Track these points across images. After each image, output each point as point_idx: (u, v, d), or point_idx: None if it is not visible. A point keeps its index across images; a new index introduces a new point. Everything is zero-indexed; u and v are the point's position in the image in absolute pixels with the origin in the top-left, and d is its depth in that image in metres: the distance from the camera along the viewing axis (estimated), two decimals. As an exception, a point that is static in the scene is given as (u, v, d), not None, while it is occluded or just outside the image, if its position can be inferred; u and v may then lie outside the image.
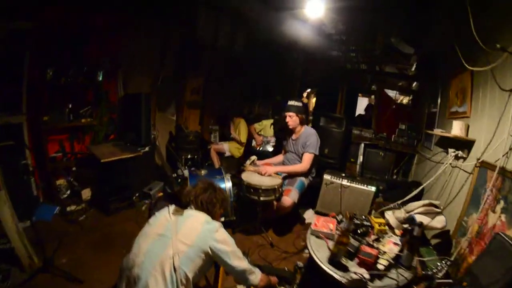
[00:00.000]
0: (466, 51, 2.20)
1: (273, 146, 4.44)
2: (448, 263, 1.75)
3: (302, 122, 2.98)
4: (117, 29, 3.28)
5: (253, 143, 4.49)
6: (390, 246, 1.73)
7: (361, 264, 1.63)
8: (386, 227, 1.99)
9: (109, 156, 2.86)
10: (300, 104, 2.93)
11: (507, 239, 1.31)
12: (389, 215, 2.16)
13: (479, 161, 1.88)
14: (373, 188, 3.14)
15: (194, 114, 4.67)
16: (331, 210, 2.76)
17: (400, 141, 3.87)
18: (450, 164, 2.37)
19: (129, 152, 3.08)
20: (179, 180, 3.82)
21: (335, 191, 3.23)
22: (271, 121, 4.56)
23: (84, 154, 3.29)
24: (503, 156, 1.59)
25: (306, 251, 2.29)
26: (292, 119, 2.92)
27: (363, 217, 2.04)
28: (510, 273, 1.22)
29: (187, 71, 4.28)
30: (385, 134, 4.03)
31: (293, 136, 3.06)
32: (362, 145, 4.00)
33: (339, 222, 2.06)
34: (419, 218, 1.97)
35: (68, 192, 3.24)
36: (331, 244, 1.77)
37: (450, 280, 1.62)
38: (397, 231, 2.01)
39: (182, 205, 1.52)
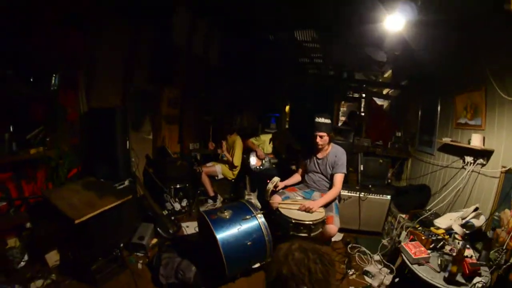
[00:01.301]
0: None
1: (274, 164, 4.01)
2: (505, 250, 1.89)
3: (331, 141, 2.73)
4: (74, 21, 2.45)
5: (253, 160, 3.95)
6: (469, 251, 1.98)
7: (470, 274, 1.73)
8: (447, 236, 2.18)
9: (85, 210, 1.94)
10: (329, 121, 2.62)
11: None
12: (450, 223, 2.31)
13: (506, 168, 2.16)
14: (388, 197, 3.25)
15: (173, 131, 3.98)
16: (350, 224, 2.82)
17: (396, 147, 4.07)
18: (472, 170, 2.57)
19: (111, 198, 2.20)
20: (173, 218, 3.19)
21: (352, 204, 3.23)
22: (270, 136, 4.13)
23: (39, 197, 2.32)
24: None
25: (350, 271, 2.51)
26: (323, 139, 2.62)
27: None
28: None
29: (162, 80, 3.61)
30: (381, 142, 4.20)
31: (319, 155, 2.76)
32: (361, 154, 4.06)
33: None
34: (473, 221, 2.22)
35: (26, 258, 2.33)
36: (433, 264, 1.92)
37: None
38: (457, 236, 2.18)
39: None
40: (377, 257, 2.91)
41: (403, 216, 3.10)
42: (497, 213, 2.17)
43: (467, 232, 2.20)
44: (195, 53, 3.37)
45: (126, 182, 2.65)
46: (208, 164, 3.95)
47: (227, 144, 3.97)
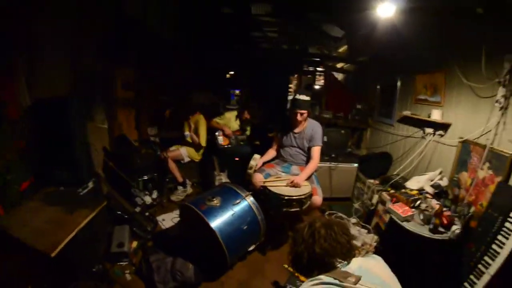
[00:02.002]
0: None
1: (241, 141, 3.86)
2: (466, 204, 2.26)
3: (308, 116, 2.73)
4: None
5: (220, 140, 3.74)
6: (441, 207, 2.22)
7: (447, 223, 2.02)
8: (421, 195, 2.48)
9: (56, 235, 1.52)
10: (309, 98, 2.59)
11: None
12: (421, 185, 2.63)
13: (463, 139, 2.48)
14: (356, 165, 3.51)
15: (129, 116, 3.44)
16: (323, 193, 2.78)
17: (356, 119, 4.34)
18: (431, 140, 2.92)
19: (83, 210, 1.80)
20: (147, 214, 2.85)
21: (323, 174, 3.44)
22: (235, 113, 3.92)
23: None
24: (480, 136, 2.32)
25: None
26: (303, 116, 2.61)
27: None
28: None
29: (115, 59, 3.01)
30: (342, 113, 4.40)
31: (296, 130, 2.77)
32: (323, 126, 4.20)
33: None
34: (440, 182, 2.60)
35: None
36: (417, 219, 2.19)
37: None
38: (428, 195, 2.49)
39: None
40: (353, 220, 3.18)
41: (372, 181, 3.37)
42: (456, 175, 2.55)
43: (436, 191, 2.55)
44: (149, 27, 2.83)
45: (91, 184, 2.22)
46: (171, 148, 3.62)
47: (190, 125, 3.67)
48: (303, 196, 2.27)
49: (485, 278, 1.69)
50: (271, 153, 2.96)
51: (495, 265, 1.66)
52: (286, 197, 2.23)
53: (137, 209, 2.80)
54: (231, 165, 3.69)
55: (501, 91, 2.10)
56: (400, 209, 2.26)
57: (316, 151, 2.71)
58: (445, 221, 2.05)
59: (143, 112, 3.70)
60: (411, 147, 3.25)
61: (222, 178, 3.49)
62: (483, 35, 2.25)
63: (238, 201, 2.19)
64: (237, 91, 5.49)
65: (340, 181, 3.63)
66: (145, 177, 3.06)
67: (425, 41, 2.95)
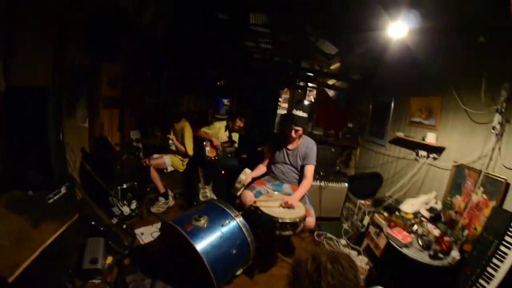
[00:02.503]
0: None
1: (229, 153, 3.68)
2: (461, 227, 2.30)
3: (303, 133, 2.62)
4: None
5: (207, 151, 3.52)
6: (437, 231, 2.26)
7: (447, 249, 2.00)
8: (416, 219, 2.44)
9: (17, 254, 1.27)
10: (306, 115, 2.51)
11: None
12: (416, 208, 2.58)
13: (457, 163, 2.51)
14: (346, 184, 3.45)
15: (113, 117, 3.18)
16: None
17: (346, 137, 4.33)
18: (424, 162, 2.93)
19: (51, 223, 1.57)
20: (124, 226, 2.57)
21: (313, 193, 3.36)
22: (225, 123, 3.73)
23: None
24: (475, 161, 2.36)
25: None
26: (297, 133, 2.49)
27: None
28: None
29: (102, 53, 2.77)
30: (333, 131, 4.37)
31: (290, 146, 2.64)
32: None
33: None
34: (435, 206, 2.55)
35: None
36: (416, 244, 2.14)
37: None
38: (423, 219, 2.46)
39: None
40: (343, 241, 3.09)
41: (362, 202, 3.28)
42: (449, 198, 2.56)
43: (432, 215, 2.50)
44: (142, 22, 2.65)
45: (63, 189, 1.94)
46: (154, 156, 3.37)
47: (175, 132, 3.45)
48: (297, 220, 2.11)
49: (481, 302, 1.68)
50: (261, 168, 2.79)
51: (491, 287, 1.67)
52: (280, 220, 2.05)
53: (114, 220, 2.52)
54: (217, 178, 3.53)
55: (497, 118, 2.15)
56: (399, 235, 2.18)
57: (310, 169, 2.58)
58: (444, 247, 2.00)
59: (128, 113, 3.44)
60: (403, 169, 3.25)
61: (207, 191, 3.31)
62: (483, 62, 2.29)
63: (227, 221, 1.99)
64: (226, 101, 5.34)
65: (329, 201, 3.53)
66: (125, 186, 2.79)
67: (422, 64, 2.97)
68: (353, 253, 2.84)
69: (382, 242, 2.61)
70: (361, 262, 2.73)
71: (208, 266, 1.74)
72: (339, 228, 3.38)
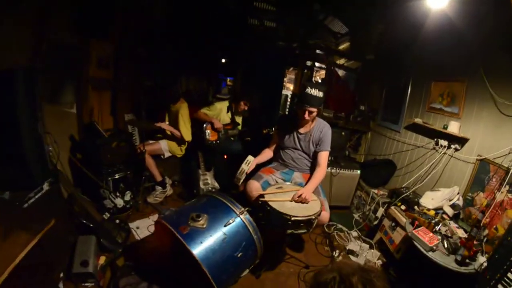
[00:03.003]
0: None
1: (232, 136, 3.38)
2: (483, 227, 2.11)
3: (318, 115, 2.31)
4: None
5: (207, 134, 3.22)
6: (461, 230, 2.13)
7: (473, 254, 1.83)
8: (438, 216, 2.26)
9: None
10: (322, 94, 2.14)
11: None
12: (437, 204, 2.39)
13: (481, 157, 2.32)
14: (358, 172, 3.25)
15: (103, 100, 2.88)
16: None
17: (357, 120, 4.03)
18: (445, 153, 2.70)
19: (22, 234, 1.35)
20: (117, 221, 2.36)
21: (324, 181, 3.09)
22: (227, 104, 3.38)
23: None
24: (502, 157, 2.15)
25: (335, 252, 2.57)
26: (312, 115, 2.18)
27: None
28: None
29: (91, 31, 2.43)
30: (343, 113, 4.07)
31: (301, 130, 2.34)
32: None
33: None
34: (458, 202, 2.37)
35: None
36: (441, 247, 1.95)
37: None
38: (445, 216, 2.29)
39: None
40: (354, 233, 2.95)
41: (376, 191, 3.11)
42: (470, 194, 2.37)
43: (455, 212, 2.31)
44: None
45: (45, 186, 1.71)
46: (150, 141, 3.11)
47: (170, 115, 3.14)
48: (313, 216, 1.87)
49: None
50: (267, 153, 2.50)
51: (511, 295, 1.56)
52: (292, 218, 1.80)
53: (106, 215, 2.31)
54: (219, 163, 3.27)
55: None
56: (426, 237, 1.98)
57: (324, 157, 2.31)
58: (472, 252, 1.82)
59: (122, 96, 3.13)
60: (419, 158, 3.01)
61: (208, 178, 3.08)
62: None
63: (230, 220, 1.72)
64: (229, 80, 4.96)
65: (340, 189, 3.32)
66: (117, 176, 2.55)
67: (448, 45, 2.66)
68: (365, 246, 2.69)
69: (397, 237, 2.48)
70: (373, 256, 2.60)
71: (210, 275, 1.52)
72: (349, 218, 3.21)
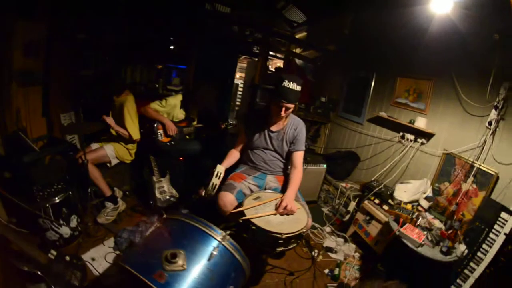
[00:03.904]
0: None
1: (188, 135, 2.98)
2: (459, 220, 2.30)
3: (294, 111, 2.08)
4: None
5: (159, 135, 2.75)
6: (437, 221, 2.28)
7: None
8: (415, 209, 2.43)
9: None
10: (300, 88, 1.92)
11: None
12: (412, 197, 2.51)
13: (447, 151, 2.53)
14: (325, 166, 3.23)
15: (32, 98, 2.21)
16: None
17: (318, 112, 4.00)
18: (411, 146, 2.87)
19: None
20: (68, 258, 1.83)
21: None
22: (180, 97, 2.90)
23: None
24: (466, 151, 2.40)
25: (314, 252, 2.54)
26: (288, 111, 1.95)
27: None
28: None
29: (14, 8, 1.77)
30: (304, 105, 3.97)
31: (273, 128, 2.09)
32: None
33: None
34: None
35: None
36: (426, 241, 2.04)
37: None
38: (420, 208, 2.45)
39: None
40: (328, 228, 2.97)
41: (343, 184, 3.15)
42: (437, 184, 2.58)
43: (430, 204, 2.45)
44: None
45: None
46: (93, 146, 2.57)
47: (114, 110, 2.62)
48: (304, 229, 1.70)
49: (470, 281, 1.88)
50: (235, 156, 2.21)
51: (479, 269, 1.85)
52: (284, 236, 1.60)
53: (52, 254, 1.78)
54: (174, 167, 2.90)
55: (493, 114, 2.21)
56: (413, 234, 2.03)
57: (299, 157, 2.10)
58: (452, 242, 1.98)
59: (54, 91, 2.46)
60: (384, 151, 3.14)
61: (164, 185, 2.74)
62: (493, 59, 2.16)
63: (213, 251, 1.40)
64: (179, 68, 4.35)
65: (307, 184, 3.19)
66: (56, 199, 2.02)
67: (417, 43, 2.71)
68: (340, 241, 2.75)
69: (373, 230, 2.56)
70: (349, 250, 2.66)
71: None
72: (319, 213, 3.21)
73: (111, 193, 2.54)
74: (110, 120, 2.50)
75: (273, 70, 5.67)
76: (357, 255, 2.63)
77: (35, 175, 1.91)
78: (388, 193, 2.66)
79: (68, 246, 2.03)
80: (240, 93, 6.35)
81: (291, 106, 1.91)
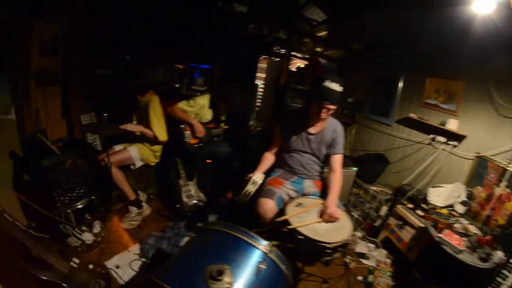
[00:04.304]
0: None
1: (216, 136, 2.84)
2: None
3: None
4: None
5: (187, 136, 2.65)
6: (473, 227, 2.16)
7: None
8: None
9: None
10: (342, 88, 1.82)
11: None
12: (448, 201, 2.40)
13: (480, 154, 2.41)
14: (355, 169, 3.11)
15: (51, 99, 2.14)
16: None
17: (344, 113, 3.84)
18: (442, 149, 2.73)
19: None
20: (91, 266, 1.72)
21: None
22: (208, 97, 2.80)
23: None
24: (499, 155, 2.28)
25: (347, 259, 2.44)
26: (329, 112, 1.85)
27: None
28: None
29: (31, 7, 1.69)
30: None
31: (312, 129, 1.99)
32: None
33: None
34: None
35: None
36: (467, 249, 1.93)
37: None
38: (454, 213, 2.33)
39: None
40: (359, 233, 2.84)
41: (374, 188, 3.01)
42: (469, 189, 2.46)
43: (466, 209, 2.34)
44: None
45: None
46: (116, 148, 2.47)
47: (139, 111, 2.52)
48: (350, 237, 1.63)
49: (503, 288, 1.79)
50: (270, 159, 2.12)
51: (512, 277, 1.76)
52: (333, 245, 1.50)
53: (75, 262, 1.69)
54: (202, 170, 2.78)
55: None
56: (454, 240, 1.93)
57: (339, 161, 2.01)
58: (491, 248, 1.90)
59: (74, 92, 2.37)
60: (414, 153, 3.00)
61: (191, 188, 2.63)
62: None
63: (261, 265, 1.26)
64: (203, 68, 4.24)
65: None
66: (79, 205, 1.92)
67: (449, 42, 2.58)
68: (371, 246, 2.63)
69: (406, 236, 2.44)
70: (381, 256, 2.54)
71: None
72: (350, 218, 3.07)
73: (135, 196, 2.44)
74: (130, 126, 2.38)
75: (295, 70, 5.55)
76: (388, 261, 2.52)
77: (55, 179, 1.82)
78: (421, 197, 2.54)
79: (90, 252, 1.93)
80: (260, 94, 6.24)
81: (333, 107, 1.82)
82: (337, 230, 1.64)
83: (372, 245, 2.64)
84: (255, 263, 1.27)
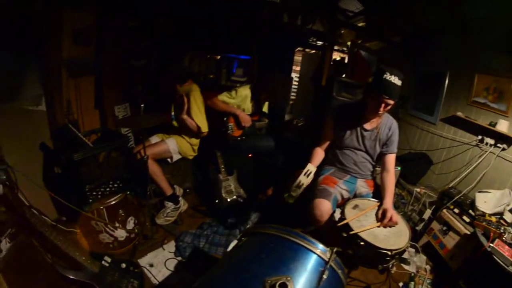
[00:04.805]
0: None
1: (259, 129, 2.73)
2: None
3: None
4: None
5: (230, 128, 2.54)
6: None
7: None
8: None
9: None
10: (401, 82, 1.69)
11: None
12: (497, 208, 2.16)
13: None
14: (399, 168, 2.93)
15: (84, 89, 2.07)
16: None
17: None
18: (490, 151, 2.52)
19: None
20: (123, 265, 1.64)
21: None
22: (249, 87, 2.67)
23: None
24: None
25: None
26: (387, 107, 1.71)
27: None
28: None
29: None
30: None
31: (367, 125, 1.87)
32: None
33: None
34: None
35: None
36: None
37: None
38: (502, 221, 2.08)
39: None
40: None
41: (418, 190, 2.80)
42: None
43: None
44: None
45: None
46: (152, 140, 2.38)
47: (177, 101, 2.40)
48: (409, 243, 1.49)
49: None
50: (321, 155, 2.00)
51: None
52: (393, 252, 1.39)
53: (106, 261, 1.60)
54: (242, 164, 2.66)
55: None
56: (505, 251, 1.76)
57: (392, 160, 1.92)
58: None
59: (108, 81, 2.28)
60: (459, 154, 2.80)
61: (231, 183, 2.52)
62: None
63: (323, 275, 1.13)
64: (242, 58, 4.10)
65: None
66: (112, 201, 1.85)
67: (501, 36, 2.35)
68: (411, 251, 2.45)
69: (450, 242, 2.27)
70: (420, 261, 2.37)
71: None
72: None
73: (172, 191, 2.35)
74: (186, 117, 2.29)
75: (331, 63, 5.38)
76: (428, 268, 2.37)
77: (87, 173, 1.73)
78: (467, 202, 2.36)
79: (123, 250, 1.86)
80: (295, 87, 6.05)
81: (392, 102, 1.69)
82: (396, 235, 1.52)
83: (413, 250, 2.48)
84: (318, 272, 1.15)
